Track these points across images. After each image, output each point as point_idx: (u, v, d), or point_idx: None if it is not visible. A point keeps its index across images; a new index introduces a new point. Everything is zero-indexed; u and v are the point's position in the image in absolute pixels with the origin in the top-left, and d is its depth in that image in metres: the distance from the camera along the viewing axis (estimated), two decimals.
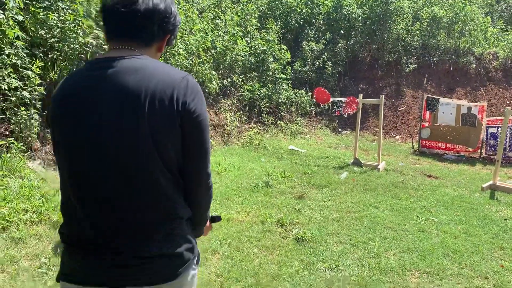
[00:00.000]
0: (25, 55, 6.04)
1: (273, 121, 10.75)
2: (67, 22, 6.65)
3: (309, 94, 12.14)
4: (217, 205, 5.09)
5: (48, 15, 6.51)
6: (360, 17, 13.89)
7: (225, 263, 3.63)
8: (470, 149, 9.78)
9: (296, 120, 11.48)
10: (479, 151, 9.66)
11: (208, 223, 1.68)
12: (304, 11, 13.89)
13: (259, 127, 10.20)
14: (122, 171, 1.30)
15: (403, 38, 14.46)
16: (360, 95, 8.18)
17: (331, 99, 8.15)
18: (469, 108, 9.59)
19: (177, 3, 9.57)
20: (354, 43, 14.10)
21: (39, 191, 4.63)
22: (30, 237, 3.72)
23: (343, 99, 8.14)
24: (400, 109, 13.28)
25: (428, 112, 10.14)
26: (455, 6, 15.13)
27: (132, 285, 1.33)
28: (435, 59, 14.65)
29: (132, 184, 1.31)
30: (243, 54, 10.72)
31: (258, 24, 12.42)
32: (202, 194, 1.47)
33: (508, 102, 13.41)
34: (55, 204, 4.31)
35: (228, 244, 3.99)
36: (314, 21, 14.00)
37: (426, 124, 10.18)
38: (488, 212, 5.61)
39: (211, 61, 9.62)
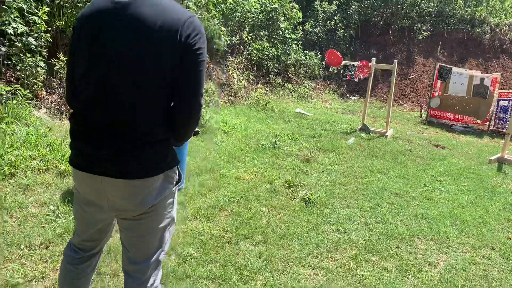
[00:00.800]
0: None
1: (281, 83, 10.58)
2: None
3: (319, 56, 11.89)
4: (225, 163, 5.05)
5: None
6: None
7: (233, 220, 3.62)
8: (478, 121, 9.67)
9: (304, 83, 11.29)
10: (487, 123, 9.55)
11: None
12: None
13: (266, 88, 10.04)
14: (130, 80, 1.56)
15: (418, 3, 14.01)
16: (373, 60, 7.99)
17: (343, 62, 7.97)
18: (482, 79, 9.40)
19: None
20: (367, 6, 13.69)
21: (46, 140, 4.57)
22: (38, 185, 3.69)
23: (355, 63, 7.96)
24: (410, 77, 13.05)
25: (439, 81, 9.96)
26: None
27: (107, 175, 1.62)
28: (449, 27, 14.25)
29: (136, 92, 1.56)
30: (253, 11, 10.41)
31: None
32: (190, 118, 1.65)
33: None
34: (62, 153, 4.26)
35: (236, 202, 3.97)
36: None
37: (436, 94, 10.02)
38: (495, 184, 5.58)
39: (221, 16, 9.34)
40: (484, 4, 14.44)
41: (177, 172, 1.81)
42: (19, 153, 4.09)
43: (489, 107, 9.41)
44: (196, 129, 1.88)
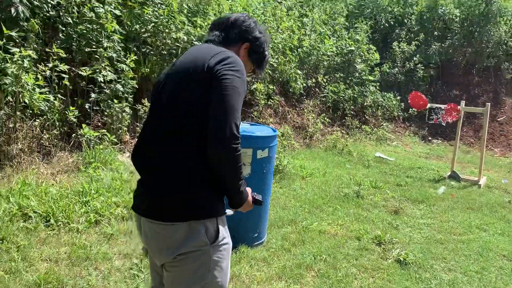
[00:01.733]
0: (120, 48, 6.12)
1: (357, 125, 10.21)
2: (161, 17, 6.66)
3: (397, 98, 11.41)
4: (306, 214, 4.76)
5: (144, 10, 6.56)
6: (458, 18, 12.82)
7: (322, 282, 3.29)
8: None
9: (382, 125, 10.82)
10: None
11: (249, 199, 1.75)
12: (395, 10, 13.11)
13: (342, 131, 9.72)
14: (168, 124, 1.57)
15: (505, 41, 13.14)
16: (462, 103, 7.44)
17: (429, 105, 7.49)
18: None
19: (266, 1, 9.39)
20: (448, 45, 13.06)
21: (129, 185, 4.59)
22: (121, 234, 3.65)
23: (442, 106, 7.44)
24: (499, 119, 12.08)
25: None
26: None
27: (139, 213, 1.65)
28: None
29: (169, 134, 1.56)
30: (329, 54, 10.28)
31: (346, 23, 11.89)
32: (221, 151, 1.48)
33: None
34: None
35: (323, 261, 3.65)
36: (406, 21, 13.16)
37: None
38: None
39: (297, 60, 9.30)
40: None
41: (212, 227, 1.57)
42: (104, 199, 4.12)
43: None
44: (258, 198, 1.78)
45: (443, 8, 12.81)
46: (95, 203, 3.96)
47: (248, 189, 1.76)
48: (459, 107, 7.25)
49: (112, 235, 3.57)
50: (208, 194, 1.57)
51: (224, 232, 1.63)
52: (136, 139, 1.83)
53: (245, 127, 3.71)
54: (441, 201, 5.84)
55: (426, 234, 4.57)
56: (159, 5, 6.97)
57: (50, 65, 5.03)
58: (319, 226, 4.41)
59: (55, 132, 5.09)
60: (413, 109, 10.39)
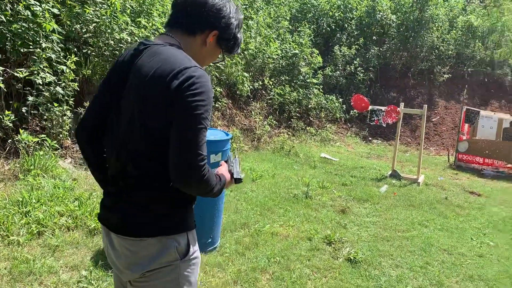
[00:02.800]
0: (59, 49, 5.81)
1: (303, 127, 10.41)
2: (103, 17, 6.42)
3: (339, 100, 11.77)
4: (258, 216, 4.77)
5: (85, 9, 6.29)
6: (394, 23, 13.47)
7: (277, 285, 3.31)
8: (509, 165, 9.31)
9: (326, 126, 11.12)
10: None
11: (227, 180, 1.64)
12: (336, 15, 13.53)
13: (288, 132, 9.88)
14: (126, 132, 1.47)
15: (437, 46, 14.00)
16: (401, 105, 7.81)
17: (370, 107, 7.79)
18: None
19: None
20: (386, 49, 13.70)
21: (73, 193, 4.37)
22: (67, 245, 3.45)
23: (382, 108, 7.77)
24: (433, 120, 12.83)
25: (466, 125, 9.70)
26: (492, 16, 14.63)
27: (105, 224, 1.56)
28: (469, 69, 14.16)
29: (127, 149, 1.46)
30: (274, 57, 10.40)
31: (290, 27, 12.10)
32: (180, 180, 1.40)
33: None
34: (90, 208, 4.05)
35: (276, 263, 3.67)
36: (346, 25, 13.62)
37: (464, 137, 9.74)
38: None
39: (243, 63, 9.33)
40: (503, 46, 14.37)
41: (183, 241, 1.50)
42: (46, 208, 3.89)
43: None
44: (238, 177, 1.68)
45: (381, 13, 13.40)
46: (36, 213, 3.73)
47: (223, 167, 1.69)
48: (398, 109, 7.60)
49: (58, 247, 3.38)
50: (177, 209, 1.51)
51: (195, 246, 1.57)
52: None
53: None
54: (384, 199, 6.09)
55: (373, 232, 4.74)
56: (100, 5, 6.71)
57: None
58: (271, 228, 4.44)
59: None
60: (355, 110, 10.79)
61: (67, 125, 5.75)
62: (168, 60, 1.42)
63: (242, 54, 9.38)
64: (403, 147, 11.47)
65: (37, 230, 3.53)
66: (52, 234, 3.55)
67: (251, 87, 9.45)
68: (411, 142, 12.06)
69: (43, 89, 5.47)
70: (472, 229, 5.25)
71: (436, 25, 13.93)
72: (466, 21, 14.31)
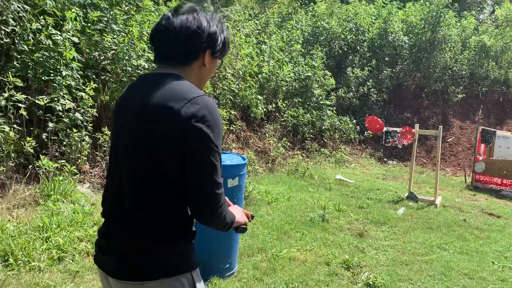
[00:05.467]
0: (79, 76, 5.97)
1: (317, 148, 10.41)
2: (121, 44, 6.59)
3: (353, 121, 11.78)
4: (275, 241, 4.76)
5: (104, 37, 6.48)
6: (407, 45, 13.53)
7: None
8: None
9: (340, 147, 11.10)
10: None
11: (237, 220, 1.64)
12: (348, 37, 13.64)
13: (302, 154, 9.88)
14: (130, 168, 1.44)
15: (450, 66, 13.99)
16: (417, 126, 7.78)
17: (385, 129, 7.78)
18: None
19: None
20: (399, 70, 13.72)
21: (91, 218, 4.43)
22: (87, 270, 3.49)
23: (397, 129, 7.75)
24: (448, 140, 12.72)
25: (482, 145, 9.60)
26: (505, 35, 14.61)
27: (116, 277, 1.46)
28: (483, 89, 14.09)
29: (134, 181, 1.43)
30: (287, 80, 10.51)
31: (302, 50, 12.24)
32: (207, 220, 1.44)
33: None
34: None
35: None
36: (358, 47, 13.72)
37: (481, 158, 9.63)
38: None
39: (257, 85, 9.44)
40: None
41: (188, 282, 1.46)
42: (66, 234, 3.95)
43: None
44: (243, 226, 1.71)
45: (393, 35, 13.48)
46: (57, 238, 3.79)
47: (235, 209, 1.71)
48: (413, 130, 7.58)
49: (78, 272, 3.41)
50: (180, 249, 1.47)
51: (200, 283, 1.53)
52: (104, 187, 1.62)
53: None
54: (402, 222, 6.02)
55: (391, 256, 4.68)
56: (118, 33, 6.90)
57: (6, 94, 4.83)
58: (288, 253, 4.42)
59: (10, 164, 4.86)
60: (369, 131, 10.76)
61: (86, 150, 5.86)
62: (174, 91, 1.41)
63: (256, 77, 9.50)
64: (419, 168, 11.37)
65: (57, 255, 3.58)
66: (72, 260, 3.60)
67: (265, 109, 9.53)
68: (427, 163, 11.95)
69: (63, 116, 5.61)
70: (493, 252, 5.16)
71: (449, 45, 13.94)
72: (479, 41, 14.30)
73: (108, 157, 5.61)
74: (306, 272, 4.00)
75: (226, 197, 1.60)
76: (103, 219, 1.56)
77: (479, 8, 23.41)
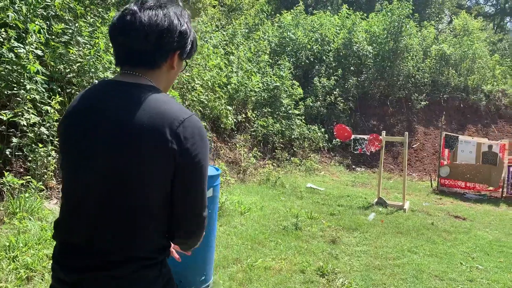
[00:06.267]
0: (43, 90, 5.83)
1: (287, 157, 10.51)
2: (87, 57, 6.48)
3: (322, 130, 11.96)
4: (250, 251, 4.75)
5: (69, 50, 6.36)
6: (371, 54, 13.91)
7: None
8: (491, 188, 9.53)
9: (309, 156, 11.23)
10: (500, 190, 9.39)
11: None
12: (314, 47, 13.91)
13: (273, 164, 9.94)
14: (102, 199, 1.27)
15: (413, 75, 14.47)
16: (383, 133, 7.98)
17: (353, 136, 7.94)
18: (490, 146, 9.41)
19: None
20: (364, 79, 14.09)
21: None
22: None
23: (365, 136, 7.93)
24: (413, 146, 13.10)
25: (446, 150, 9.94)
26: (463, 44, 15.26)
27: None
28: (445, 96, 14.63)
29: (107, 212, 1.27)
30: (256, 90, 10.58)
31: (270, 60, 12.37)
32: (192, 242, 1.41)
33: None
34: None
35: None
36: (324, 57, 14.00)
37: (445, 162, 9.96)
38: None
39: (226, 96, 9.46)
40: (476, 72, 14.94)
41: None
42: (34, 252, 3.81)
43: (500, 174, 9.31)
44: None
45: (357, 45, 13.84)
46: (24, 257, 3.65)
47: None
48: (380, 137, 7.77)
49: None
50: (164, 271, 1.38)
51: None
52: (60, 212, 1.40)
53: None
54: (373, 227, 6.14)
55: (364, 261, 4.76)
56: (83, 45, 6.80)
57: None
58: (263, 262, 4.42)
59: None
60: (337, 139, 10.96)
61: (52, 165, 5.70)
62: (160, 111, 1.26)
63: (225, 88, 9.52)
64: (386, 174, 11.64)
65: (26, 275, 3.44)
66: (42, 279, 3.47)
67: (234, 120, 9.55)
68: (394, 169, 12.25)
69: (27, 130, 5.44)
70: (460, 254, 5.32)
71: (411, 54, 14.44)
72: (439, 49, 14.89)
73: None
74: (282, 280, 4.01)
75: None
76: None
77: (438, 18, 24.38)
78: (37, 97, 5.64)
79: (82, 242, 1.31)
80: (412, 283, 4.25)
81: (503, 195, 9.31)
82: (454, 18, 22.67)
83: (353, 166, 12.07)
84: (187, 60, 1.47)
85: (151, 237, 1.31)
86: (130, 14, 1.30)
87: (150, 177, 1.25)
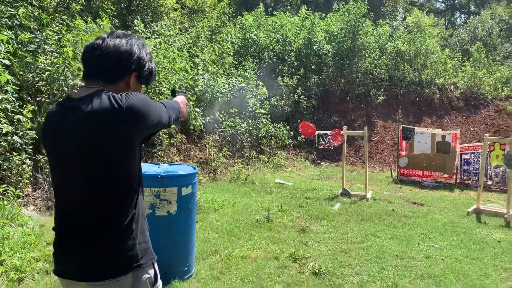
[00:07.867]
0: (14, 99, 5.92)
1: (255, 156, 10.87)
2: (56, 65, 6.59)
3: (287, 127, 12.39)
4: (226, 243, 5.07)
5: (37, 59, 6.46)
6: (330, 53, 14.47)
7: None
8: (446, 175, 10.22)
9: (277, 153, 11.64)
10: (454, 177, 10.11)
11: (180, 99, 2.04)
12: (276, 48, 14.33)
13: (242, 162, 10.27)
14: (84, 183, 1.56)
15: (371, 71, 15.16)
16: (345, 128, 8.47)
17: (317, 132, 8.38)
18: (443, 136, 10.10)
19: (157, 44, 9.69)
20: (325, 77, 14.63)
21: (44, 238, 4.47)
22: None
23: (328, 132, 8.39)
24: (374, 139, 13.75)
25: (404, 141, 10.58)
26: (416, 41, 16.07)
27: (70, 278, 1.57)
28: (401, 90, 15.38)
29: (88, 193, 1.55)
30: (222, 91, 10.88)
31: (234, 62, 12.69)
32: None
33: (472, 129, 14.19)
34: None
35: (250, 282, 3.98)
36: (286, 57, 14.45)
37: (403, 153, 10.59)
38: (480, 235, 5.88)
39: (194, 98, 9.72)
40: (429, 67, 15.79)
41: (152, 271, 1.64)
42: (21, 256, 3.98)
43: (453, 162, 10.02)
44: (182, 90, 2.07)
45: (317, 44, 14.37)
46: (12, 261, 3.82)
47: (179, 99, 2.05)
48: (342, 132, 8.25)
49: None
50: (141, 240, 1.60)
51: (158, 274, 1.71)
52: (54, 203, 1.72)
53: (167, 168, 3.96)
54: (339, 216, 6.58)
55: (332, 246, 5.17)
56: (51, 53, 6.89)
57: None
58: (240, 252, 4.75)
59: None
60: (302, 136, 11.42)
61: (27, 173, 5.82)
62: (104, 97, 1.54)
63: (192, 90, 9.77)
64: (349, 167, 12.20)
65: (16, 276, 3.62)
66: (33, 279, 3.67)
67: (203, 121, 9.81)
68: (356, 161, 12.85)
69: (0, 140, 5.54)
70: (418, 235, 5.83)
71: (368, 52, 15.12)
72: (394, 46, 15.65)
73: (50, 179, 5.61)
74: (258, 267, 4.36)
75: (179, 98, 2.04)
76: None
77: (392, 16, 25.37)
78: (9, 106, 5.74)
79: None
80: (376, 263, 4.69)
81: (457, 181, 10.03)
82: (407, 15, 23.72)
83: (318, 161, 12.57)
84: (146, 86, 1.83)
85: (118, 207, 1.59)
86: (101, 39, 1.65)
87: (110, 147, 1.57)
